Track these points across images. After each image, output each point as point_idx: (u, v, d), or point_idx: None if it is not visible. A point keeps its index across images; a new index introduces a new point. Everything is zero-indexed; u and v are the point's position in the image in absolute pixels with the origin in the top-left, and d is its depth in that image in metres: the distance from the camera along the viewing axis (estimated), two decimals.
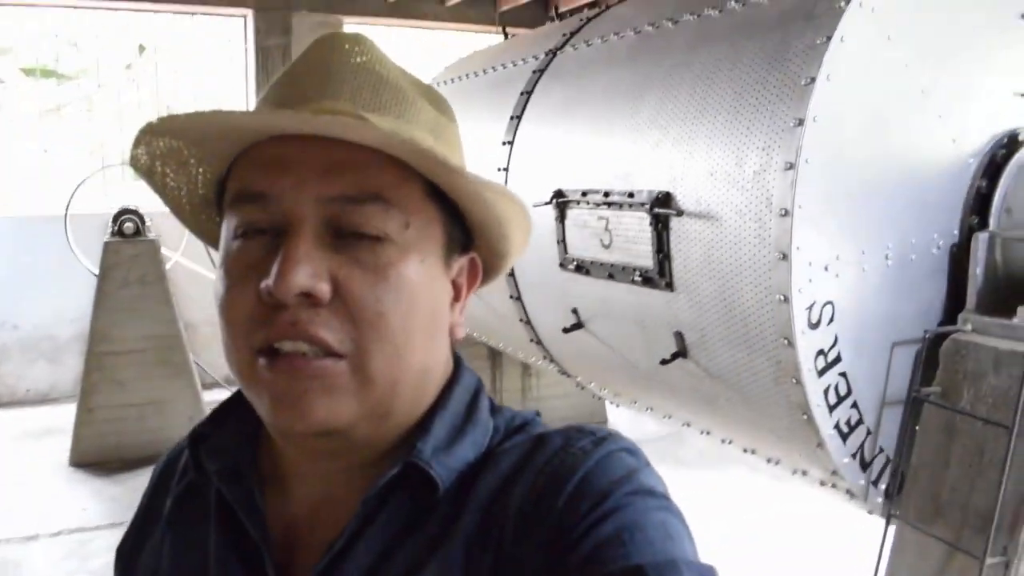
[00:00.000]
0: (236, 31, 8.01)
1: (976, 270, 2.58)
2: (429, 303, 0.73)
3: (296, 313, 0.66)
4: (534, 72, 4.13)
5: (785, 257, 2.38)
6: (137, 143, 0.75)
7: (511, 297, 4.11)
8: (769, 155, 2.44)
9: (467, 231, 0.79)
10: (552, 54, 4.13)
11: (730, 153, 2.59)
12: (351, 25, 7.95)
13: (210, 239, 0.86)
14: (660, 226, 2.86)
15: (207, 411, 0.87)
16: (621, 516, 0.66)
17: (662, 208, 2.82)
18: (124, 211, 6.01)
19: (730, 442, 3.08)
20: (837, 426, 2.51)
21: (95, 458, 5.52)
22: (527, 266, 3.89)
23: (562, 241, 3.51)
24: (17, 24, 7.79)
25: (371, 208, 0.69)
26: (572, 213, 3.44)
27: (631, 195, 3.01)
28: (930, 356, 2.59)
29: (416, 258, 0.71)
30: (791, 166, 2.35)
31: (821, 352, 2.45)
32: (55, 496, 5.11)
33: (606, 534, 0.65)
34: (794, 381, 2.46)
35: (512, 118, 4.08)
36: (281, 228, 0.69)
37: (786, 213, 2.36)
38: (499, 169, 4.04)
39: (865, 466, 2.60)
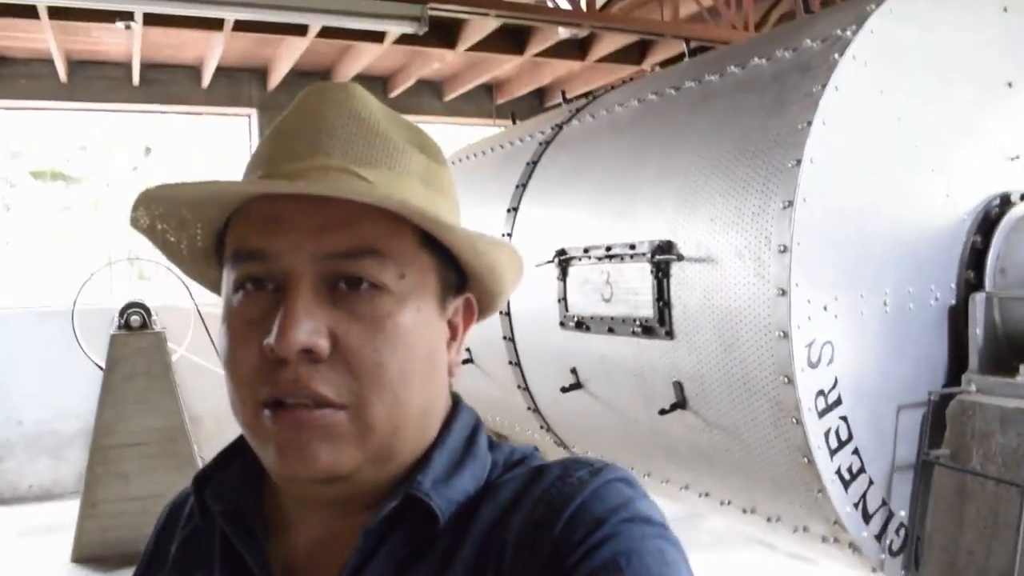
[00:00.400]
0: (240, 130, 8.26)
1: (976, 331, 2.61)
2: (426, 348, 0.75)
3: (297, 369, 0.68)
4: (540, 144, 4.28)
5: (784, 293, 2.42)
6: (136, 207, 0.77)
7: (510, 363, 4.13)
8: (768, 196, 2.52)
9: (461, 272, 0.81)
10: (559, 128, 4.28)
11: (730, 198, 2.68)
12: None
13: (211, 285, 0.88)
14: (660, 274, 2.92)
15: None
16: (617, 542, 0.66)
17: (663, 255, 2.89)
18: (131, 304, 6.08)
19: (729, 502, 3.04)
20: (839, 472, 2.50)
21: (98, 553, 5.42)
22: (527, 330, 3.91)
23: (563, 299, 3.55)
24: (27, 129, 8.01)
25: (367, 261, 0.70)
26: (574, 270, 3.49)
27: (632, 247, 3.07)
28: (936, 417, 2.61)
29: (412, 307, 0.73)
30: (789, 204, 2.43)
31: (821, 392, 2.47)
32: None
33: (602, 560, 0.65)
34: (794, 421, 2.47)
35: (517, 186, 4.20)
36: (280, 283, 0.71)
37: (785, 249, 2.42)
38: (503, 235, 4.13)
39: (868, 518, 2.58)
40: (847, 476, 2.51)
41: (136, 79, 7.20)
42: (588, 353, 3.49)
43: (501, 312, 4.10)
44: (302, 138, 0.75)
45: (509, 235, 4.11)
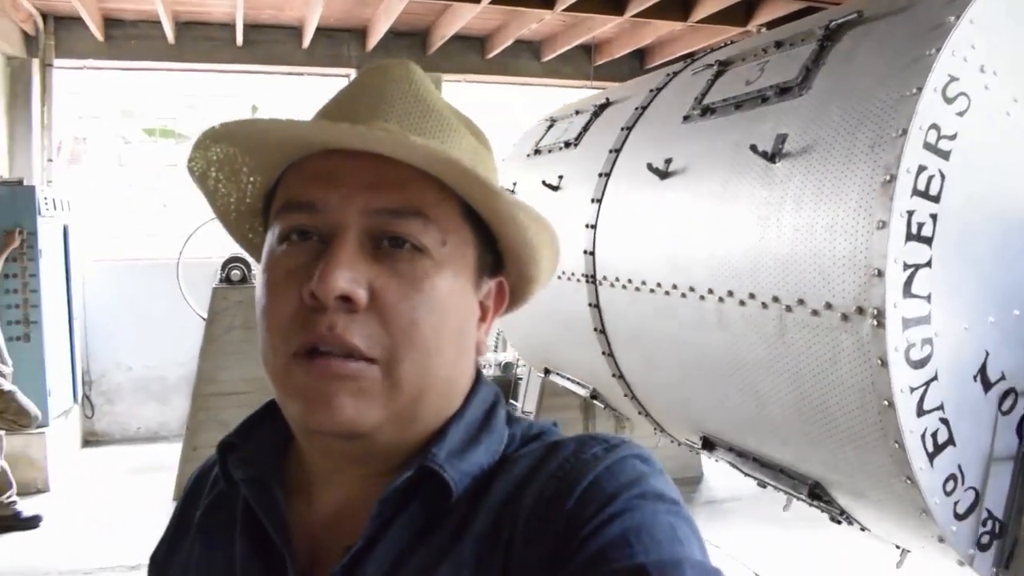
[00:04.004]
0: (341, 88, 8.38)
1: None
2: (458, 318, 0.76)
3: (333, 318, 0.69)
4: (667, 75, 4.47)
5: (937, 51, 2.41)
6: (197, 147, 0.80)
7: (600, 175, 4.39)
8: None
9: (498, 256, 0.82)
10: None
11: None
12: (450, 81, 8.22)
13: (250, 248, 0.91)
14: (828, 41, 2.99)
15: None
16: (629, 518, 0.66)
17: (844, 18, 2.99)
18: (232, 259, 6.31)
19: (752, 296, 2.96)
20: (911, 212, 2.39)
21: None
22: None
23: (701, 96, 3.70)
24: (139, 88, 8.33)
25: (412, 222, 0.72)
26: (729, 72, 3.65)
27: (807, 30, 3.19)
28: None
29: (449, 274, 0.74)
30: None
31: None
32: (159, 528, 5.27)
33: (613, 535, 0.65)
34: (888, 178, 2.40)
35: (650, 89, 4.43)
36: (326, 236, 0.72)
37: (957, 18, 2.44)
38: (637, 108, 4.39)
39: (936, 452, 2.45)
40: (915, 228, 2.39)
41: (239, 40, 7.37)
42: (696, 141, 3.56)
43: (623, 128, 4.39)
44: (361, 105, 0.78)
45: (643, 107, 4.29)
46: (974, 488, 2.47)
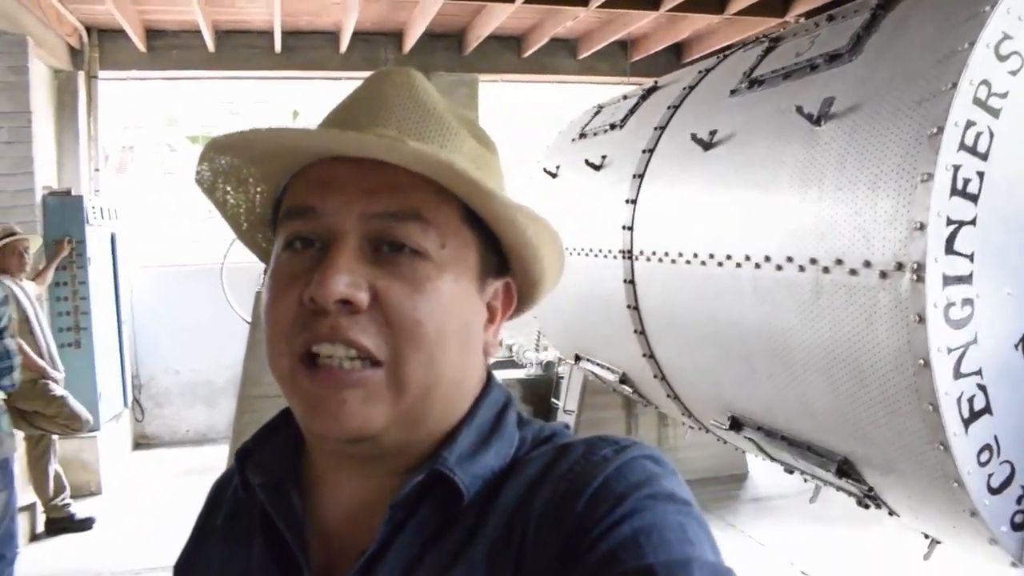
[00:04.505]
0: None
1: None
2: (462, 318, 0.76)
3: (336, 319, 0.70)
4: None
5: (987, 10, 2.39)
6: (202, 159, 0.81)
7: (656, 128, 4.41)
8: None
9: (502, 256, 0.82)
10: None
11: None
12: (487, 81, 8.23)
13: (265, 256, 0.92)
14: (881, 11, 2.97)
15: None
16: (639, 519, 0.66)
17: None
18: None
19: (784, 258, 2.95)
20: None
21: None
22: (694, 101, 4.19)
23: (751, 70, 3.69)
24: (183, 97, 8.48)
25: (411, 226, 0.73)
26: (781, 47, 3.65)
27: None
28: None
29: (450, 276, 0.75)
30: None
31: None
32: None
33: (623, 536, 0.65)
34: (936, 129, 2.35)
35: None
36: (326, 242, 0.73)
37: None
38: (685, 88, 4.40)
39: (972, 419, 2.36)
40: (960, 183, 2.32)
41: (278, 46, 7.47)
42: (742, 112, 3.57)
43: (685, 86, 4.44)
44: (361, 112, 0.79)
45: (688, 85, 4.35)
46: (1009, 462, 2.40)
